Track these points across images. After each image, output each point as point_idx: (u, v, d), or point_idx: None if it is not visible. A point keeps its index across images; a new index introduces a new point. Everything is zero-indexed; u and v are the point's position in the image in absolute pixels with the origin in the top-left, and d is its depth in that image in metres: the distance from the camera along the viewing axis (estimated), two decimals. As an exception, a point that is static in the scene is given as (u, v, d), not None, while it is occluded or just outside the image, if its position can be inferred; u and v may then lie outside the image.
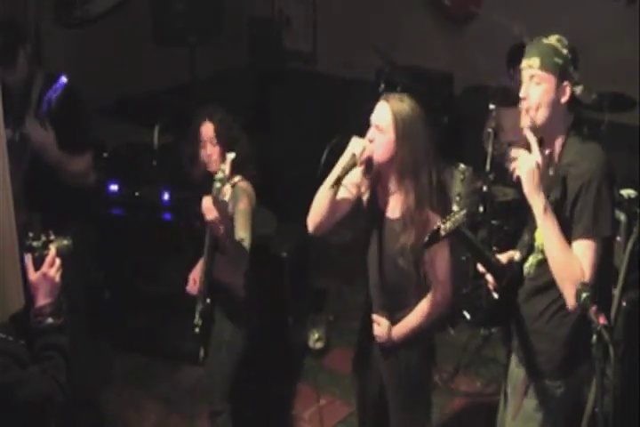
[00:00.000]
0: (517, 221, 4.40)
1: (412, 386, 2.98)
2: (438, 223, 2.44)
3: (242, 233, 3.12)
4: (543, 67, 2.39)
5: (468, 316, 4.56)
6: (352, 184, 2.81)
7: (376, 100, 2.76)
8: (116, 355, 4.38)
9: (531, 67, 2.42)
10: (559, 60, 2.38)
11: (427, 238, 2.47)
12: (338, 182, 2.65)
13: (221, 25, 5.98)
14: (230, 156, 2.89)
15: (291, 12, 7.03)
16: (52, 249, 2.34)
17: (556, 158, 2.47)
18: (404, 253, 2.75)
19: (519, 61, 4.64)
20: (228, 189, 3.16)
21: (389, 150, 2.66)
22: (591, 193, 2.33)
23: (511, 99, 4.59)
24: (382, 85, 4.74)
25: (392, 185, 2.76)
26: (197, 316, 3.33)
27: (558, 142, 2.46)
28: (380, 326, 2.90)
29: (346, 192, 2.80)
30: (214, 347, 3.36)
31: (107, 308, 4.42)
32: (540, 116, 2.41)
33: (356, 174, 2.77)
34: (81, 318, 3.66)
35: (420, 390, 3.04)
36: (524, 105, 2.43)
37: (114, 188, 4.38)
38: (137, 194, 4.36)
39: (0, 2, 4.84)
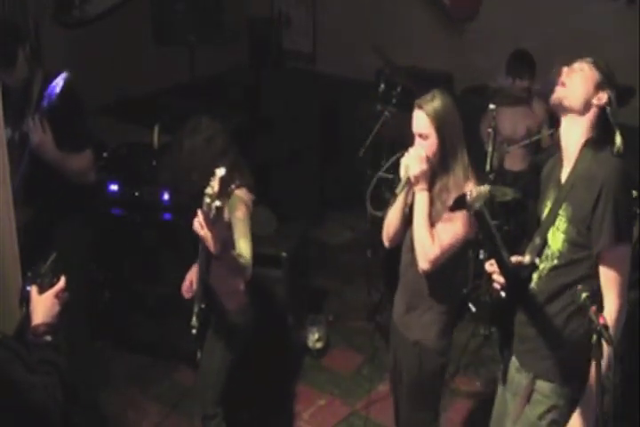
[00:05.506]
0: (517, 221, 4.42)
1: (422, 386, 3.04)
2: (466, 190, 2.48)
3: (242, 244, 3.05)
4: (593, 64, 2.50)
5: (473, 308, 4.67)
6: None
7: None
8: (116, 355, 4.39)
9: (583, 59, 2.53)
10: (606, 71, 2.50)
11: (452, 203, 2.54)
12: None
13: (221, 25, 5.98)
14: (220, 172, 2.78)
15: (291, 11, 7.03)
16: (62, 281, 2.31)
17: (572, 164, 2.49)
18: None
19: (519, 67, 4.71)
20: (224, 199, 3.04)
21: (437, 152, 2.80)
22: (609, 203, 2.35)
23: (511, 99, 4.62)
24: (382, 85, 4.73)
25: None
26: (195, 317, 3.30)
27: (575, 147, 2.49)
28: None
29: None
30: (209, 349, 3.33)
31: (107, 308, 4.42)
32: (571, 96, 2.47)
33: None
34: (81, 318, 3.66)
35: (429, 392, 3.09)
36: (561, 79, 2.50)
37: (114, 188, 4.38)
38: (137, 194, 4.35)
39: (0, 2, 4.85)
